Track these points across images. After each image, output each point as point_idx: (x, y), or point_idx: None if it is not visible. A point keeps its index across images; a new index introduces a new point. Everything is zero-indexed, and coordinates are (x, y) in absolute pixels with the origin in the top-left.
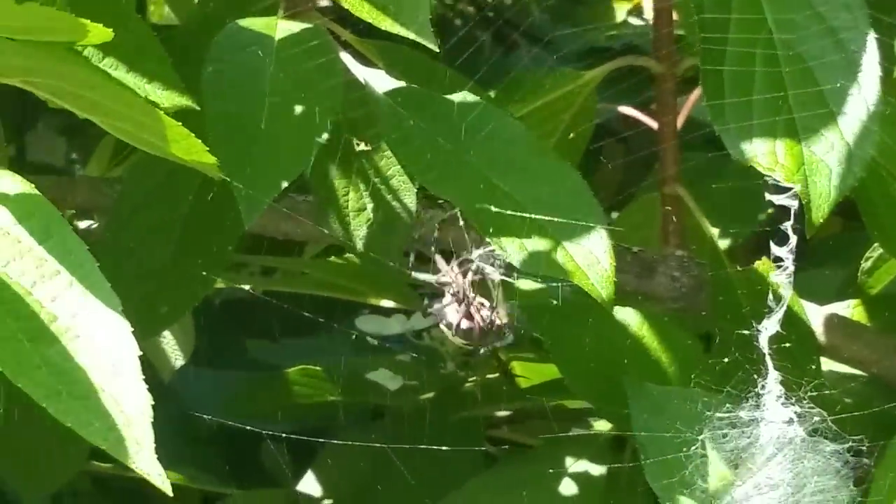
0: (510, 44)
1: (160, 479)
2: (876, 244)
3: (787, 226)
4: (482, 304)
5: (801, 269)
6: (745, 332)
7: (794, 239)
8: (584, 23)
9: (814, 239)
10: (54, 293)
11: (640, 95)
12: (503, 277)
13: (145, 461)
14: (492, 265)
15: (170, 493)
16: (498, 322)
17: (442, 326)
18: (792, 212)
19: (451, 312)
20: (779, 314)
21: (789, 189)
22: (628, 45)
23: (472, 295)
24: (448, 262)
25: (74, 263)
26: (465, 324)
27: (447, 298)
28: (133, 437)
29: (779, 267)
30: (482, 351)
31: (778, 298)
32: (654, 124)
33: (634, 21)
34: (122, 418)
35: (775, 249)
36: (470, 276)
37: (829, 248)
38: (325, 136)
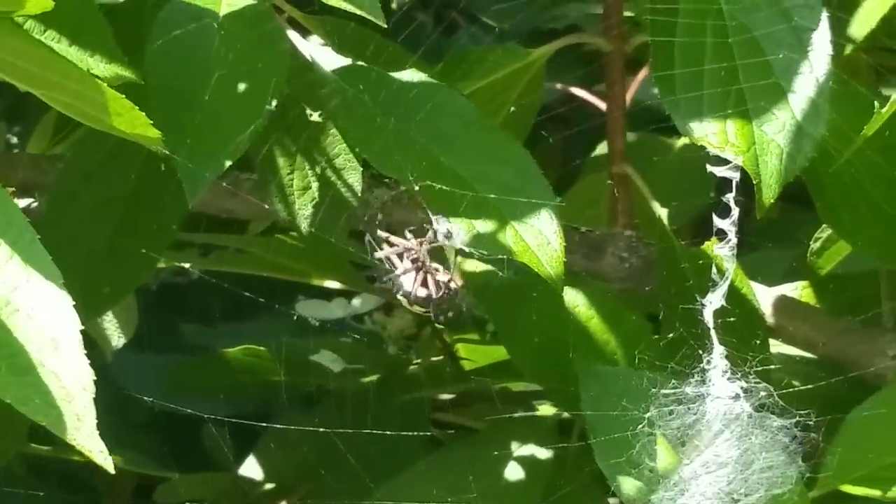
0: (450, 24)
1: (102, 455)
2: (825, 225)
3: (730, 197)
4: (437, 269)
5: (749, 250)
6: (690, 307)
7: (736, 211)
8: (526, 2)
9: (758, 220)
10: None
11: (581, 74)
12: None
13: (86, 437)
14: (446, 235)
15: (111, 469)
16: (454, 286)
17: (399, 297)
18: (734, 184)
19: (408, 280)
20: (723, 288)
21: (729, 161)
22: (571, 26)
23: (428, 261)
24: (395, 240)
25: (15, 236)
26: (421, 291)
27: (401, 267)
28: (73, 412)
29: (722, 240)
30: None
31: (722, 272)
32: (601, 104)
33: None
34: (62, 394)
35: (718, 222)
36: (426, 243)
37: (774, 230)
38: (270, 110)
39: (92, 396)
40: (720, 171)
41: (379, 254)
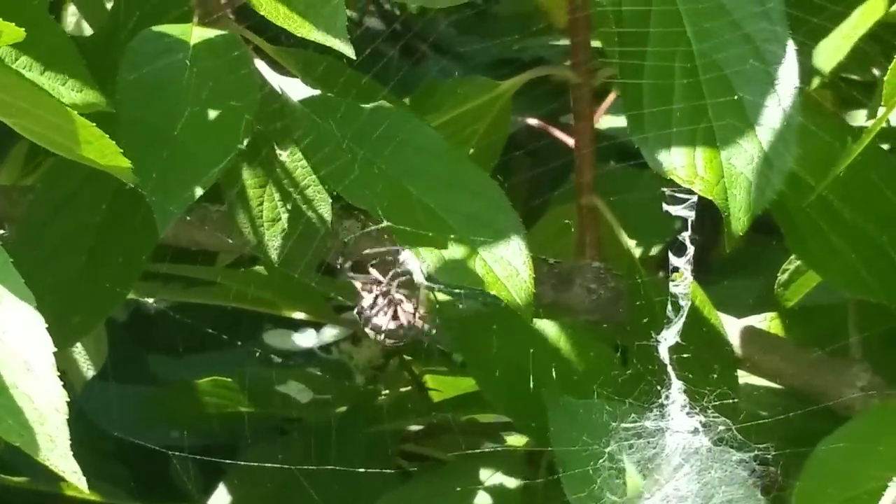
0: (419, 56)
1: (75, 476)
2: (792, 257)
3: (685, 236)
4: (402, 300)
5: (714, 280)
6: (649, 343)
7: (691, 249)
8: (493, 34)
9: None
10: None
11: (548, 107)
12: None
13: (59, 458)
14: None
15: (85, 488)
16: (420, 319)
17: (367, 330)
18: (689, 222)
19: (376, 313)
20: (678, 325)
21: (686, 200)
22: (537, 58)
23: (395, 294)
24: (363, 272)
25: None
26: (392, 324)
27: (369, 300)
28: (47, 433)
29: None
30: (402, 355)
31: (677, 309)
32: (567, 138)
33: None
34: (35, 415)
35: (674, 260)
36: (394, 276)
37: (740, 260)
38: (241, 144)
39: (65, 418)
40: (676, 211)
41: (354, 280)
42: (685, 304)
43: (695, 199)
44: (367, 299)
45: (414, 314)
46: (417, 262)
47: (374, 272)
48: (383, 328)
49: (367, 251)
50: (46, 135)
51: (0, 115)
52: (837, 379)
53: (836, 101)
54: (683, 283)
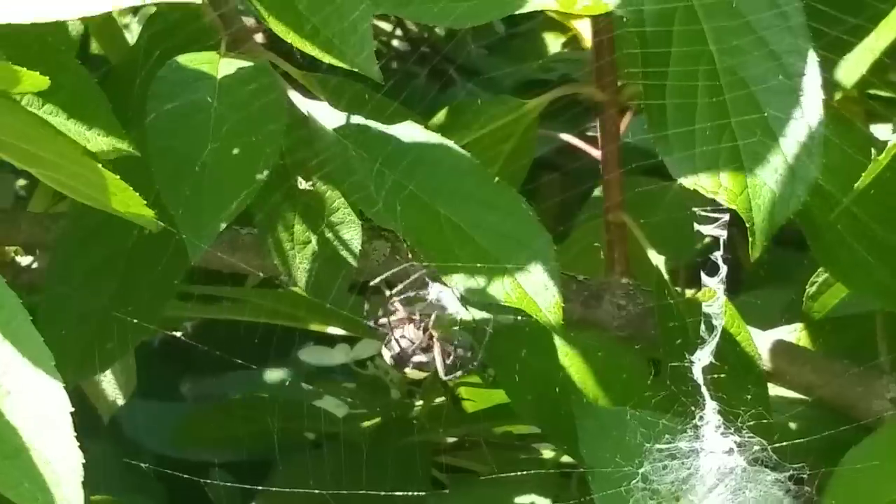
0: (446, 80)
1: None
2: (820, 269)
3: (717, 255)
4: (437, 335)
5: (743, 291)
6: (680, 363)
7: (724, 269)
8: (520, 56)
9: (751, 264)
10: None
11: (575, 127)
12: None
13: None
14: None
15: None
16: (460, 352)
17: (409, 371)
18: (721, 242)
19: (418, 353)
20: (712, 345)
21: (718, 219)
22: (564, 77)
23: (430, 327)
24: (393, 294)
25: (7, 317)
26: (424, 357)
27: (401, 335)
28: (63, 496)
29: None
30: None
31: (710, 329)
32: (596, 153)
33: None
34: (52, 477)
35: (706, 280)
36: (426, 309)
37: (768, 275)
38: (266, 173)
39: (80, 480)
40: (707, 231)
41: (381, 320)
42: (718, 323)
43: (726, 217)
44: (400, 339)
45: (454, 348)
46: (450, 293)
47: (399, 308)
48: (426, 363)
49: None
50: (71, 185)
51: (25, 166)
52: (867, 390)
53: (862, 116)
54: (717, 303)
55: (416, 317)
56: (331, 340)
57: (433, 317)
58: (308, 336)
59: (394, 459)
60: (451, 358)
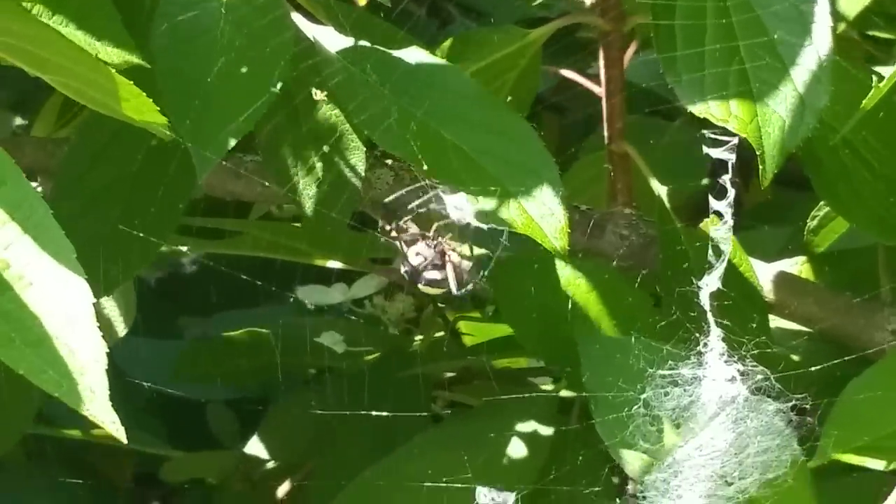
0: (445, 17)
1: (115, 426)
2: (821, 203)
3: (726, 179)
4: (453, 250)
5: (744, 227)
6: (687, 289)
7: (732, 192)
8: None
9: (752, 201)
10: (7, 241)
11: (574, 60)
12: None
13: (99, 408)
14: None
15: (124, 439)
16: (467, 264)
17: (422, 287)
18: (730, 165)
19: (430, 269)
20: (719, 270)
21: (726, 143)
22: (563, 13)
23: (445, 245)
24: (392, 221)
25: (27, 212)
26: (436, 273)
27: (418, 258)
28: (87, 384)
29: (719, 221)
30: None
31: (718, 254)
32: (596, 87)
33: None
34: (76, 366)
35: (714, 204)
36: (440, 229)
37: (768, 211)
38: (276, 90)
39: (104, 369)
40: (716, 153)
41: (393, 239)
42: (726, 248)
43: (735, 141)
44: (413, 256)
45: (461, 262)
46: (468, 203)
47: (412, 226)
48: (439, 280)
49: (406, 205)
50: (84, 90)
51: (39, 72)
52: (868, 322)
53: (861, 55)
54: (724, 227)
55: (429, 234)
56: (329, 280)
57: (446, 236)
58: (306, 274)
59: (394, 390)
60: (463, 274)
